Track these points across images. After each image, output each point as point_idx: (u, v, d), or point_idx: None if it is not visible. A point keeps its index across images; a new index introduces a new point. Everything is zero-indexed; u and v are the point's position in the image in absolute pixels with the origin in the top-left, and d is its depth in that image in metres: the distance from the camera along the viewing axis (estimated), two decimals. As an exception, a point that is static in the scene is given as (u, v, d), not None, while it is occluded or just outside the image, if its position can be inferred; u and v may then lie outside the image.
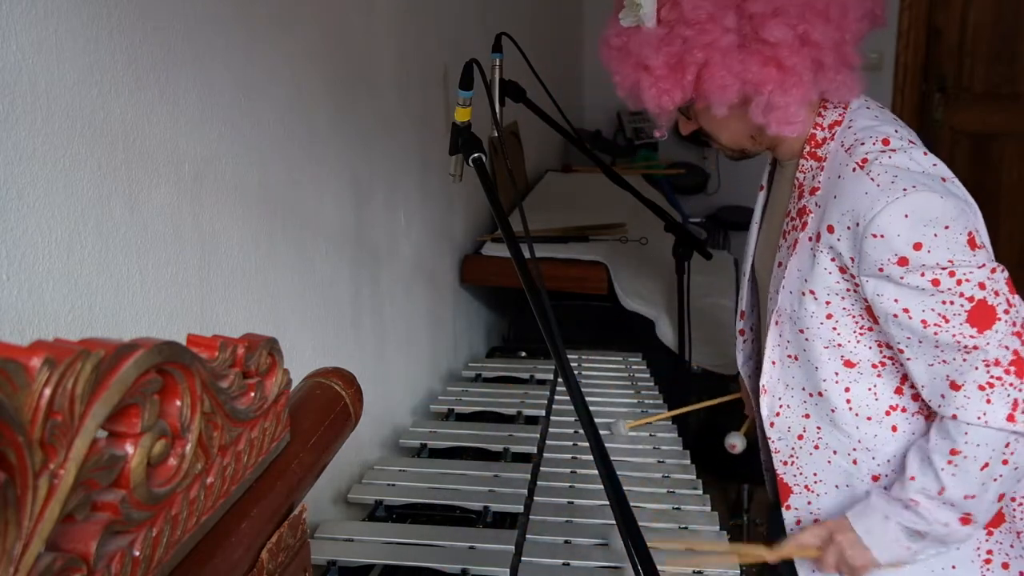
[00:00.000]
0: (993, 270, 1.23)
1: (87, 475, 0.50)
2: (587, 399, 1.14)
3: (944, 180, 1.25)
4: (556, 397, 2.04)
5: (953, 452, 1.26)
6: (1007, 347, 1.22)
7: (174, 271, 1.16)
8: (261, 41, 1.37)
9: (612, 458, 1.09)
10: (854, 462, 1.40)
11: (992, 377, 1.23)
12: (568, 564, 1.41)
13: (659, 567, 1.04)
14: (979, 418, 1.23)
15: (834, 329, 1.35)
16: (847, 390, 1.37)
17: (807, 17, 1.23)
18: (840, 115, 1.35)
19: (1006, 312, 1.22)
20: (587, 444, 1.10)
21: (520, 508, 1.56)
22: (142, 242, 1.09)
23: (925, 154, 1.28)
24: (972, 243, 1.22)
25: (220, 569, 0.64)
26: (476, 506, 1.57)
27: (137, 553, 0.55)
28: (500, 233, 1.32)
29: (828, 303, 1.34)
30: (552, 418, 1.97)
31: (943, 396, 1.27)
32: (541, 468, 1.73)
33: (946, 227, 1.21)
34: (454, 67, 1.95)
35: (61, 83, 0.95)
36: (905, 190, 1.22)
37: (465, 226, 2.51)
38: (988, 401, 1.23)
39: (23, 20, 0.90)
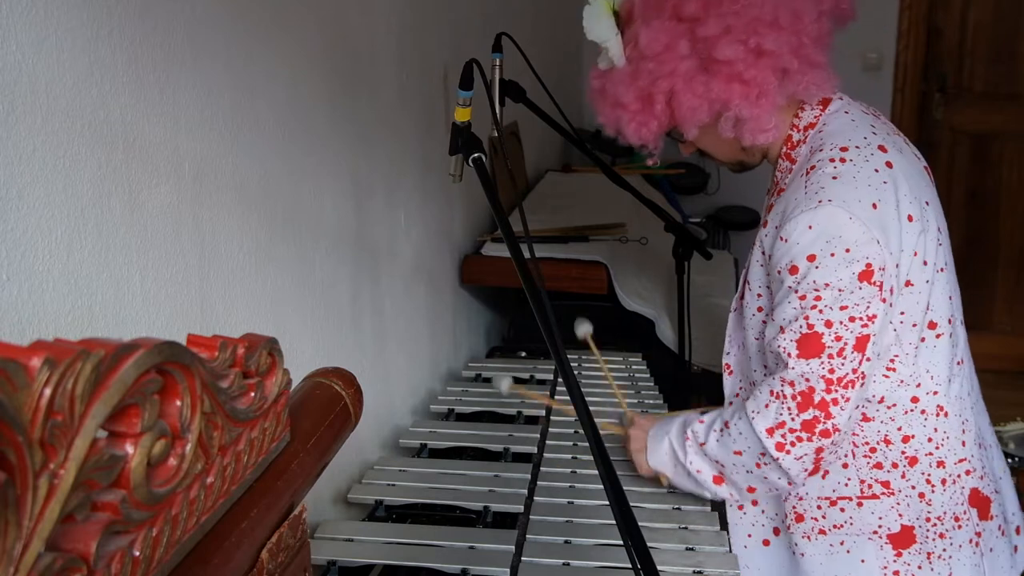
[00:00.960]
0: (852, 319, 1.25)
1: (87, 475, 0.50)
2: (587, 399, 1.14)
3: (875, 206, 1.26)
4: (556, 397, 2.04)
5: (726, 424, 1.38)
6: (808, 380, 1.28)
7: (174, 271, 1.16)
8: (261, 41, 1.37)
9: (612, 458, 1.09)
10: None
11: (781, 393, 1.30)
12: (568, 564, 1.40)
13: (659, 568, 1.04)
14: (751, 413, 1.34)
15: (763, 323, 1.41)
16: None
17: (757, 30, 1.27)
18: (816, 117, 1.38)
19: (830, 358, 1.26)
20: (587, 444, 1.10)
21: (520, 508, 1.56)
22: (142, 242, 1.09)
23: (877, 170, 1.29)
24: (865, 276, 1.24)
25: (220, 569, 0.64)
26: (476, 506, 1.57)
27: (137, 553, 0.55)
28: (500, 233, 1.32)
29: (759, 296, 1.40)
30: (552, 418, 1.97)
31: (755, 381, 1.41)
32: (541, 468, 1.73)
33: (846, 250, 1.24)
34: (454, 67, 1.95)
35: (61, 83, 0.95)
36: (820, 202, 1.25)
37: (465, 226, 2.51)
38: (765, 406, 1.32)
39: (23, 20, 0.90)
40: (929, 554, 1.40)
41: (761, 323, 1.41)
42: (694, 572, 1.40)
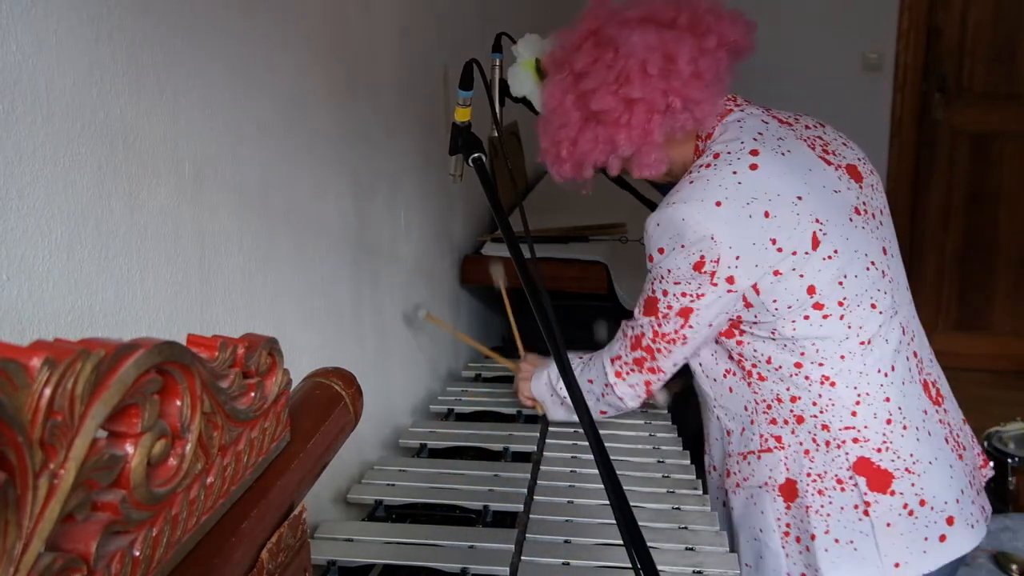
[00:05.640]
0: (684, 294, 1.47)
1: (87, 475, 0.50)
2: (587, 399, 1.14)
3: (719, 204, 1.42)
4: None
5: (589, 358, 1.69)
6: (641, 328, 1.56)
7: (174, 271, 1.16)
8: (261, 41, 1.37)
9: (612, 458, 1.09)
10: (717, 418, 1.64)
11: (623, 334, 1.61)
12: (568, 564, 1.41)
13: (659, 568, 1.04)
14: (605, 350, 1.66)
15: None
16: (697, 354, 1.61)
17: (628, 79, 1.43)
18: (713, 127, 1.53)
19: (659, 316, 1.52)
20: (587, 444, 1.10)
21: (520, 508, 1.56)
22: (142, 242, 1.09)
23: (735, 172, 1.44)
24: (698, 266, 1.44)
25: (220, 569, 0.64)
26: (476, 506, 1.57)
27: (137, 553, 0.55)
28: (500, 233, 1.32)
29: None
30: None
31: None
32: (541, 468, 1.73)
33: (682, 245, 1.44)
34: (454, 67, 1.95)
35: (61, 83, 0.95)
36: (668, 204, 1.46)
37: (465, 226, 2.51)
38: (614, 343, 1.63)
39: (23, 20, 0.90)
40: (807, 507, 1.51)
41: None
42: (694, 572, 1.40)
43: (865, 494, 1.48)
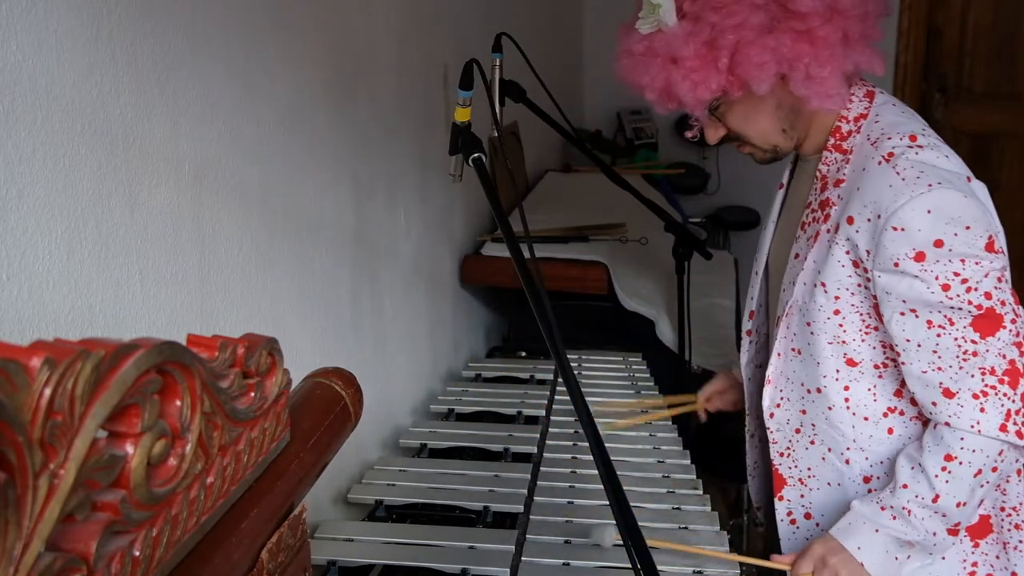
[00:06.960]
0: (1000, 278, 1.23)
1: (87, 475, 0.50)
2: (587, 399, 1.14)
3: (969, 180, 1.26)
4: (556, 397, 2.04)
5: (948, 458, 1.26)
6: (1004, 356, 1.22)
7: (174, 271, 1.16)
8: (261, 41, 1.37)
9: (612, 458, 1.09)
10: (847, 461, 1.40)
11: (987, 386, 1.23)
12: (568, 564, 1.40)
13: (659, 568, 1.04)
14: (972, 426, 1.24)
15: (840, 325, 1.35)
16: (846, 388, 1.37)
17: None
18: (866, 108, 1.35)
19: (1012, 322, 1.22)
20: (587, 444, 1.10)
21: (520, 508, 1.56)
22: (142, 242, 1.09)
23: (948, 156, 1.28)
24: (991, 247, 1.23)
25: (220, 569, 0.64)
26: (476, 506, 1.57)
27: (137, 553, 0.55)
28: (500, 233, 1.32)
29: (837, 298, 1.34)
30: (552, 418, 1.97)
31: (935, 404, 1.26)
32: (541, 468, 1.73)
33: (967, 227, 1.21)
34: (454, 67, 1.95)
35: (61, 83, 0.95)
36: (930, 186, 1.22)
37: (465, 226, 2.51)
38: (982, 410, 1.23)
39: (23, 20, 0.90)
40: (1005, 544, 1.37)
41: (838, 326, 1.35)
42: (694, 572, 1.40)
43: None
